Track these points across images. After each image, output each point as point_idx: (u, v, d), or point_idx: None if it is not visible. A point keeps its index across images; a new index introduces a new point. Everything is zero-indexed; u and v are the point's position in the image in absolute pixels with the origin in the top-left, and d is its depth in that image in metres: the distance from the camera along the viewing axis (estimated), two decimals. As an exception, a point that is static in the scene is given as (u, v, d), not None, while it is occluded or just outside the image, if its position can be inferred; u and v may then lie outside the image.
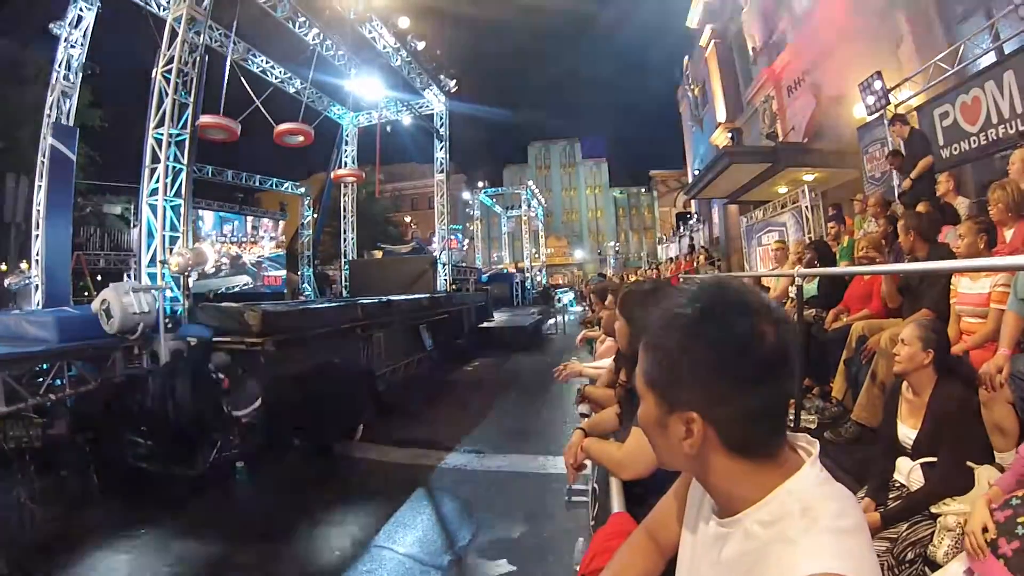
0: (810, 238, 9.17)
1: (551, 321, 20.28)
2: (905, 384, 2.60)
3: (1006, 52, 6.89)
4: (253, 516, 4.86)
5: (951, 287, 3.46)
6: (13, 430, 5.27)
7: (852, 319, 4.34)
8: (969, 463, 2.28)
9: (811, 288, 5.33)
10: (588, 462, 2.25)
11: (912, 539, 2.17)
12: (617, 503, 1.68)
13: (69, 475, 5.35)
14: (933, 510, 2.20)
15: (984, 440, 2.56)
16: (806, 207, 10.13)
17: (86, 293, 14.65)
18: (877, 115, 9.23)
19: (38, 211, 9.78)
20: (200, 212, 17.15)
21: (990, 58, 7.33)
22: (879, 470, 2.57)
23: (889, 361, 2.85)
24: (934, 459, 2.33)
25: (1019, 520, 1.76)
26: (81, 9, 9.77)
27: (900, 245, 4.35)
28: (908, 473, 2.41)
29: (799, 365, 4.08)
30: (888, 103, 8.99)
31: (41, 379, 5.68)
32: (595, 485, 2.40)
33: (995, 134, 6.68)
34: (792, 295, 5.29)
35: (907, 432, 2.51)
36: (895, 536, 2.21)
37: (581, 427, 2.36)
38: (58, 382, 5.78)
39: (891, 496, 2.43)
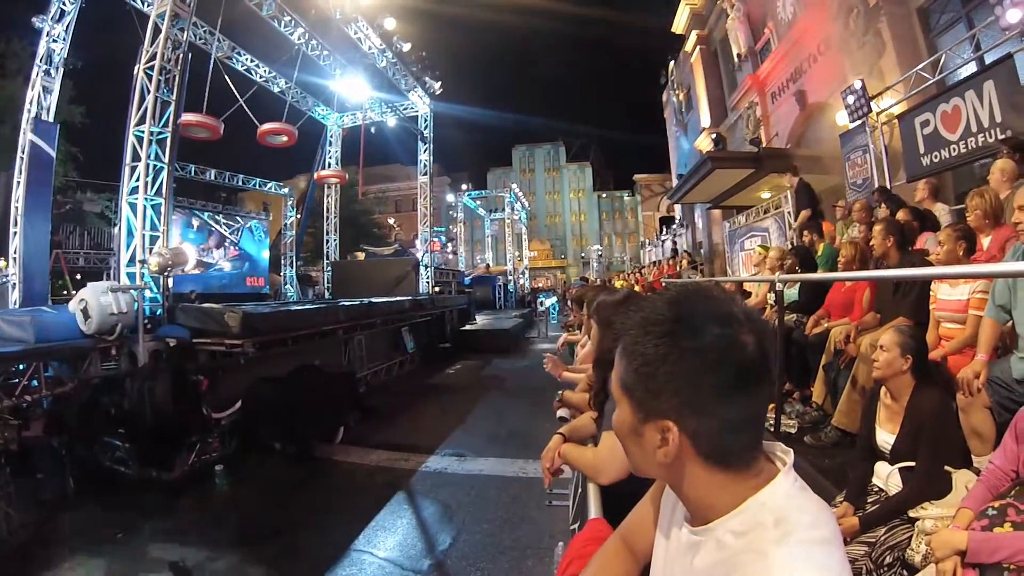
0: (792, 243, 9.24)
1: (533, 331, 20.32)
2: (884, 389, 2.61)
3: (987, 62, 6.99)
4: (232, 520, 4.80)
5: (931, 293, 3.49)
6: (-13, 432, 5.18)
7: (832, 325, 4.37)
8: (947, 467, 2.31)
9: (792, 293, 5.37)
10: (567, 467, 2.24)
11: (890, 543, 2.19)
12: (594, 509, 1.67)
13: (45, 478, 5.27)
14: (911, 514, 2.22)
15: (962, 445, 2.59)
16: (788, 212, 10.20)
17: (65, 292, 14.45)
18: (859, 122, 9.33)
19: (16, 208, 9.61)
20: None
21: (971, 68, 7.43)
22: (858, 474, 2.59)
23: (869, 367, 2.87)
24: (912, 464, 2.34)
25: (996, 530, 1.77)
26: (64, 3, 9.63)
27: (873, 249, 4.40)
28: (886, 477, 2.43)
29: (778, 373, 4.10)
30: (870, 111, 9.09)
31: (17, 380, 5.59)
32: (577, 490, 2.40)
33: (975, 142, 6.77)
34: (771, 301, 5.34)
35: (885, 437, 2.52)
36: (873, 540, 2.22)
37: (561, 432, 2.35)
38: (34, 383, 5.69)
39: (869, 500, 2.45)
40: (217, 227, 18.47)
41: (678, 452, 0.83)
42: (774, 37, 15.88)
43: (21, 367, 5.67)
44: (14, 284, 9.45)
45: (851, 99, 9.36)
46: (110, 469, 5.58)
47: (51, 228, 10.41)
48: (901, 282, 3.81)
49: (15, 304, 9.23)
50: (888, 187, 6.71)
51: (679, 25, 23.72)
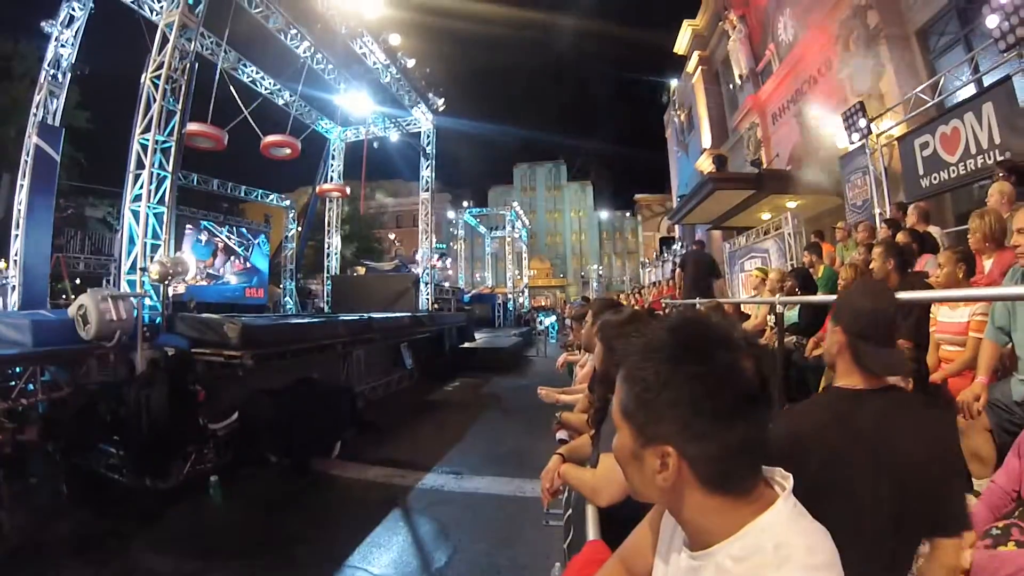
0: (792, 265, 9.26)
1: (532, 350, 20.28)
2: (884, 412, 2.60)
3: (985, 84, 7.04)
4: (226, 532, 4.75)
5: (931, 316, 3.49)
6: (-18, 435, 5.16)
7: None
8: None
9: (792, 315, 5.36)
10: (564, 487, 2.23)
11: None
12: (592, 531, 1.66)
13: (39, 483, 5.25)
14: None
15: (962, 467, 2.57)
16: (789, 234, 10.23)
17: (64, 296, 14.42)
18: (859, 144, 9.38)
19: (19, 210, 9.64)
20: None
21: (970, 90, 7.48)
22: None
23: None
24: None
25: (1000, 549, 1.77)
26: (73, 8, 9.71)
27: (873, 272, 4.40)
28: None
29: (777, 395, 4.09)
30: (870, 132, 9.15)
31: (13, 383, 5.56)
32: (568, 509, 2.38)
33: (974, 164, 6.81)
34: (771, 323, 5.34)
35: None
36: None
37: (560, 452, 2.34)
38: (30, 387, 5.67)
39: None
40: (230, 243, 18.74)
41: (678, 477, 0.83)
42: (775, 59, 15.99)
43: (18, 370, 5.65)
44: (14, 286, 9.46)
45: (851, 121, 9.42)
46: (104, 476, 5.54)
47: (53, 231, 10.42)
48: (901, 304, 3.81)
49: (14, 306, 9.24)
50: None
51: (681, 46, 23.92)
